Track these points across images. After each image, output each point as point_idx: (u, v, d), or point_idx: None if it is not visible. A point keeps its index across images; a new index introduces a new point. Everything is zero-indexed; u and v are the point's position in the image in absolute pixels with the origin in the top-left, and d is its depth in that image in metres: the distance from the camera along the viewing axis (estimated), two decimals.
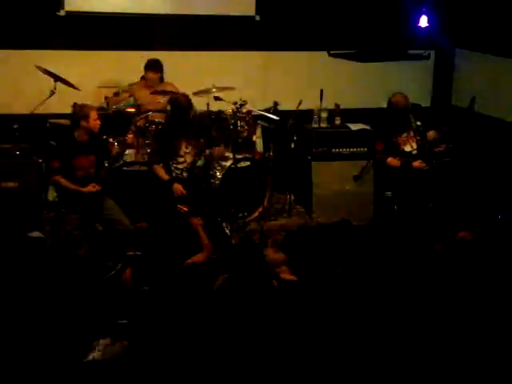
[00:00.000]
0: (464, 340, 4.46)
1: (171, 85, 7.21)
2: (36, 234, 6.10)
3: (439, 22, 7.46)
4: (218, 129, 6.43)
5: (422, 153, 6.56)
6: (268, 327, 4.36)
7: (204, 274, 5.62)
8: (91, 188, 5.94)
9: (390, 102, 6.64)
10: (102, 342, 4.51)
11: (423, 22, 7.29)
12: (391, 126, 6.65)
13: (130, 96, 7.05)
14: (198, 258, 6.02)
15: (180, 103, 6.31)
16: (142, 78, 7.21)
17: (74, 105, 6.36)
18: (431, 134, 6.67)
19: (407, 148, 6.65)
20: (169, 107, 6.63)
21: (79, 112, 6.00)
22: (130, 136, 6.44)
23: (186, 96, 6.42)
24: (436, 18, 7.35)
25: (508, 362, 4.27)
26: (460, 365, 4.28)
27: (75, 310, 4.76)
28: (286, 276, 5.29)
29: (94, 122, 5.96)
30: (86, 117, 5.91)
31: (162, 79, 7.18)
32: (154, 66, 7.10)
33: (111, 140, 6.48)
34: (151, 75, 7.08)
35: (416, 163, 6.53)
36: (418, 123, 6.62)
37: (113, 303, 4.97)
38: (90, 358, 4.37)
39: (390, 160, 6.59)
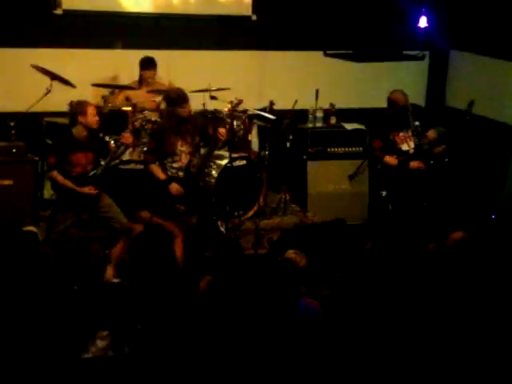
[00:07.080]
0: (458, 339, 4.49)
1: (163, 85, 7.25)
2: (30, 228, 6.11)
3: (436, 23, 7.48)
4: (214, 128, 6.44)
5: (419, 153, 6.56)
6: (259, 328, 4.36)
7: (200, 273, 5.64)
8: (88, 190, 5.91)
9: (389, 99, 6.62)
10: (98, 340, 4.54)
11: (422, 22, 7.28)
12: (389, 123, 6.63)
13: (126, 98, 7.09)
14: None
15: (175, 94, 6.27)
16: (140, 79, 7.24)
17: (71, 102, 6.37)
18: (431, 133, 6.59)
19: (404, 147, 6.64)
20: (163, 105, 6.63)
21: (77, 108, 5.97)
22: (126, 135, 6.21)
23: (180, 89, 6.39)
24: (433, 19, 7.37)
25: (499, 362, 4.30)
26: (453, 365, 4.31)
27: (70, 308, 4.78)
28: None
29: (93, 117, 5.91)
30: (84, 113, 5.89)
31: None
32: (150, 64, 7.15)
33: (107, 138, 6.48)
34: (148, 73, 7.13)
35: (413, 163, 6.53)
36: (417, 123, 6.60)
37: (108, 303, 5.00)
38: (87, 355, 4.40)
39: (388, 158, 6.58)
